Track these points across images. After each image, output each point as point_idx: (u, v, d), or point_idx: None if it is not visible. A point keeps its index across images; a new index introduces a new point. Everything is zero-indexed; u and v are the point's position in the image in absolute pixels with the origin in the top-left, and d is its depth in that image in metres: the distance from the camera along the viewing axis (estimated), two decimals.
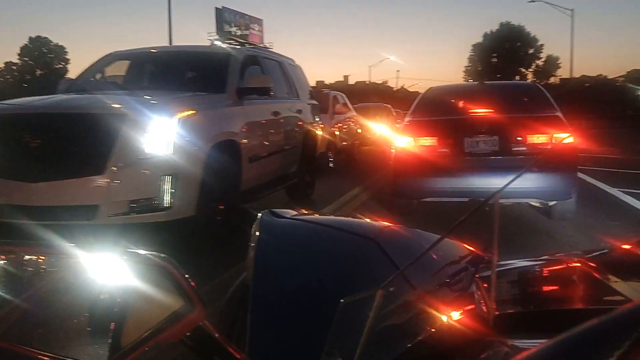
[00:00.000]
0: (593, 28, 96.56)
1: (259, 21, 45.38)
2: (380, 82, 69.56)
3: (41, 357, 0.78)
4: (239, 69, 5.95)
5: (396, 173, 6.57)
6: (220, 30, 38.71)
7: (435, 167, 6.05)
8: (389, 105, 20.74)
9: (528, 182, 5.51)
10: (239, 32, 40.47)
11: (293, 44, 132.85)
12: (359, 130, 15.26)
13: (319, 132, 9.12)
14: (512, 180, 0.90)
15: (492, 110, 6.57)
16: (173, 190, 4.44)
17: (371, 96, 41.55)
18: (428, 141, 6.31)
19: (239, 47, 7.01)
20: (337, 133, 12.62)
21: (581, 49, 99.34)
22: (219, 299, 1.18)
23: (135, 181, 4.39)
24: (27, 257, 0.88)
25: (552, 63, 62.80)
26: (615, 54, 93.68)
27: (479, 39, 63.29)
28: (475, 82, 8.15)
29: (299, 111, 7.71)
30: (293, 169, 7.47)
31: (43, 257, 0.89)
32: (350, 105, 15.30)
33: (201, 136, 4.77)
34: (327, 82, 67.44)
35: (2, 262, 0.86)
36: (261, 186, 6.27)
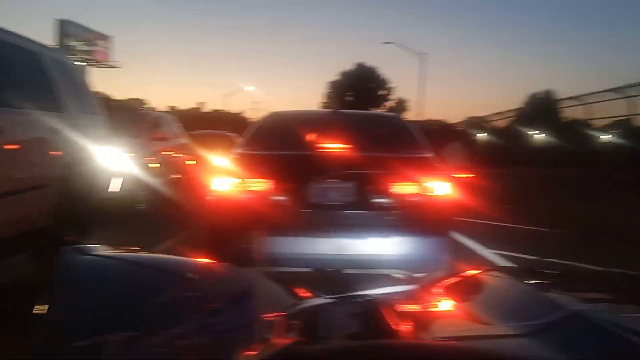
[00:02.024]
0: (439, 75, 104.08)
1: (106, 38, 41.11)
2: (238, 112, 67.17)
3: None
4: None
5: (211, 231, 4.49)
6: (61, 43, 34.06)
7: (266, 223, 4.14)
8: (232, 134, 18.29)
9: (390, 247, 4.26)
10: (83, 48, 36.10)
11: (146, 67, 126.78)
12: (193, 163, 12.63)
13: (107, 165, 6.33)
14: None
15: (349, 147, 4.74)
16: None
17: (226, 125, 39.37)
18: (260, 185, 4.30)
19: None
20: (155, 166, 9.79)
21: (429, 94, 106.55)
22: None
23: None
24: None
25: (401, 105, 65.52)
26: (457, 101, 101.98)
27: (337, 77, 64.14)
28: (329, 110, 6.05)
29: (55, 131, 4.86)
30: (39, 224, 4.60)
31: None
32: (181, 132, 12.59)
33: None
34: (180, 107, 63.71)
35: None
36: None
